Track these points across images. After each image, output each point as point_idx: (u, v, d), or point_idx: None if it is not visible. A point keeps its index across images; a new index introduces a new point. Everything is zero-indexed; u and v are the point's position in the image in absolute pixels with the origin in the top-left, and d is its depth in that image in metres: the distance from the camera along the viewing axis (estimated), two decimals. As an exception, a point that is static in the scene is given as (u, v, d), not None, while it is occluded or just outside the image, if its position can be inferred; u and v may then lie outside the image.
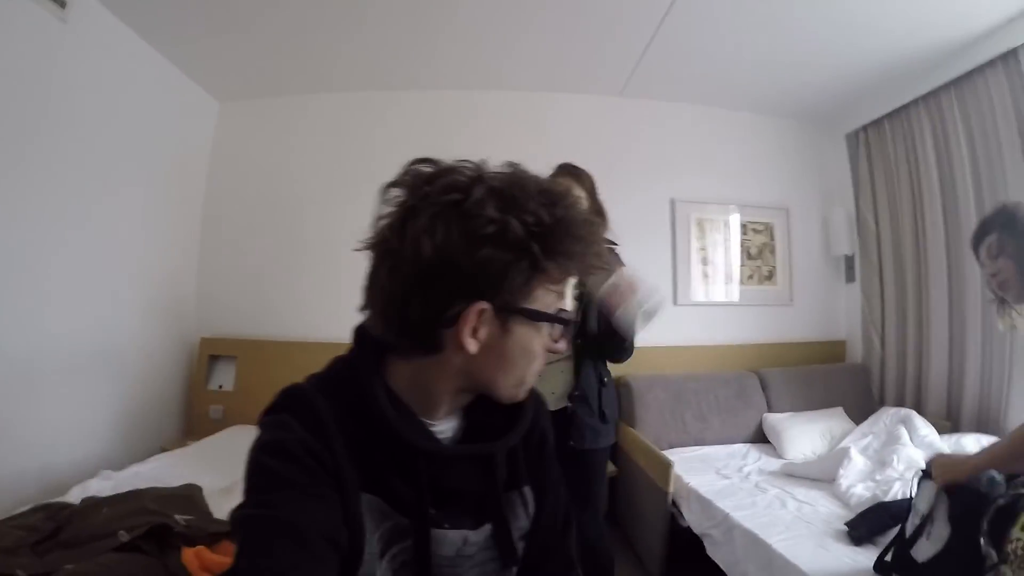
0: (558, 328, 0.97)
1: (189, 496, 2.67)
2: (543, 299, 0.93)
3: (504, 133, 4.69)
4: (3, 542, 2.16)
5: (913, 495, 2.04)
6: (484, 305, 0.88)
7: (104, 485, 2.89)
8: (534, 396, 1.10)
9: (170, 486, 2.79)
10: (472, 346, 0.90)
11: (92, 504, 2.54)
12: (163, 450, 3.76)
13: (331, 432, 0.89)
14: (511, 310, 0.91)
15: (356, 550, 0.87)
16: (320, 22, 3.74)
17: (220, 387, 4.46)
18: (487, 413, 1.04)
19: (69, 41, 3.20)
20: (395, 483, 0.93)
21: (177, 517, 2.32)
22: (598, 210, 2.74)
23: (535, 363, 0.98)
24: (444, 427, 1.01)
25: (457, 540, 0.98)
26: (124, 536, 2.15)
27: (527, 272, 0.88)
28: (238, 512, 0.81)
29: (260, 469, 0.87)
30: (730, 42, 3.90)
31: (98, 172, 3.47)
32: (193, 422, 4.38)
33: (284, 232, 4.51)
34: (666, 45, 3.95)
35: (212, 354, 4.51)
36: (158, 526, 2.22)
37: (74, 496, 2.74)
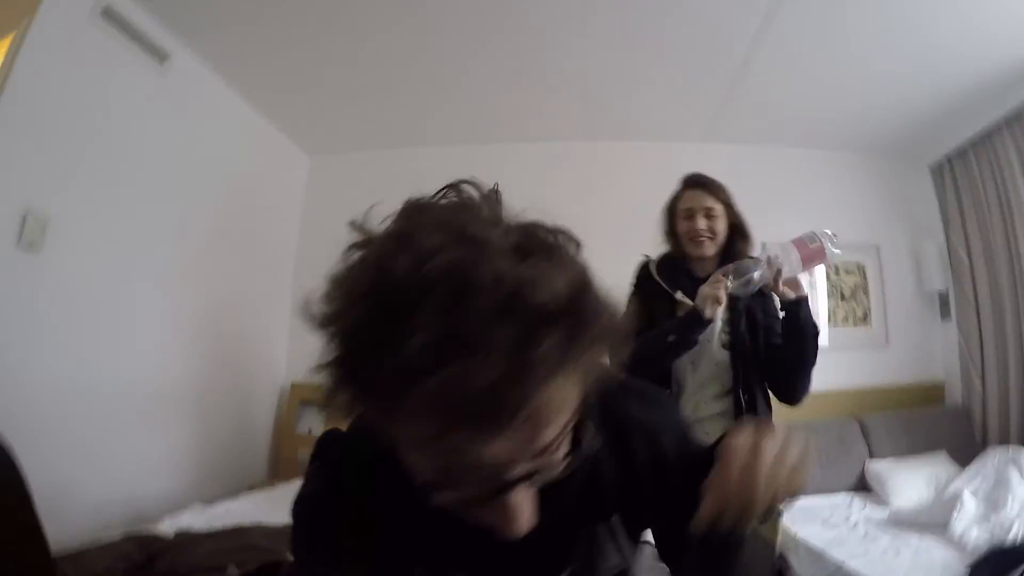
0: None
1: None
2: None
3: (588, 183, 4.93)
4: (93, 568, 2.22)
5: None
6: None
7: (197, 519, 3.03)
8: (623, 429, 0.92)
9: (275, 523, 2.78)
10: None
11: (190, 538, 2.60)
12: (250, 488, 3.93)
13: (363, 486, 0.87)
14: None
15: None
16: (412, 78, 3.99)
17: (309, 431, 4.65)
18: None
19: (167, 94, 3.50)
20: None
21: (289, 555, 2.36)
22: (736, 225, 2.62)
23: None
24: None
25: None
26: (234, 572, 2.17)
27: None
28: (285, 571, 0.89)
29: (299, 525, 0.91)
30: (812, 78, 4.02)
31: (192, 220, 3.76)
32: (280, 465, 4.60)
33: None
34: (746, 90, 4.12)
35: (303, 399, 4.73)
36: (269, 564, 2.21)
37: (165, 527, 2.84)
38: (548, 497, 0.76)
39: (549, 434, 0.63)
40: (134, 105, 3.27)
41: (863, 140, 4.96)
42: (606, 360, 0.66)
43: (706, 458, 0.83)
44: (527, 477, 0.65)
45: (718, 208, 2.56)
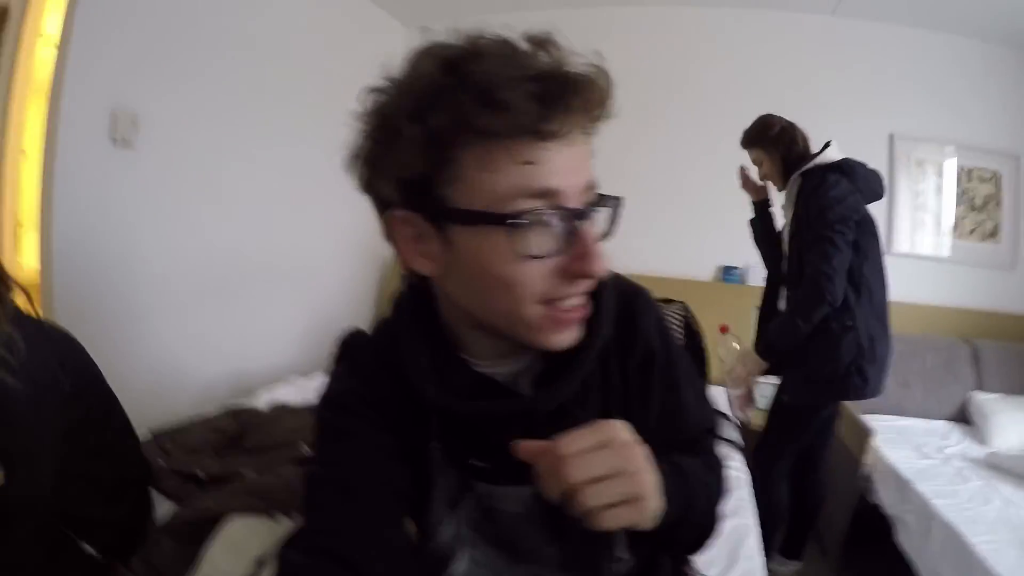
0: (540, 232, 0.76)
1: None
2: (490, 184, 0.75)
3: (705, 54, 4.81)
4: (189, 442, 2.43)
5: None
6: (400, 212, 0.84)
7: (290, 391, 3.27)
8: (633, 302, 1.02)
9: None
10: (424, 267, 0.86)
11: (277, 413, 2.83)
12: None
13: (382, 376, 0.95)
14: (440, 212, 0.79)
15: (424, 494, 0.94)
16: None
17: None
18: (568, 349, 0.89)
19: None
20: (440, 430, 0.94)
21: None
22: (786, 158, 3.05)
23: (513, 290, 0.79)
24: (504, 369, 0.95)
25: (525, 496, 0.95)
26: (306, 449, 2.33)
27: (450, 140, 0.74)
28: (307, 470, 0.93)
29: (322, 423, 0.98)
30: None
31: (284, 97, 3.83)
32: None
33: None
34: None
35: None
36: None
37: (262, 401, 3.08)
38: (578, 399, 0.93)
39: (590, 171, 0.81)
40: None
41: (1009, 32, 4.53)
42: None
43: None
44: (596, 207, 0.82)
45: (759, 156, 3.11)
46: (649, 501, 0.70)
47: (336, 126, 3.36)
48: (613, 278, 0.98)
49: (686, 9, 4.83)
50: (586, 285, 0.82)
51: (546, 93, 0.70)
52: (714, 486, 1.03)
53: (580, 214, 0.78)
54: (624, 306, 1.00)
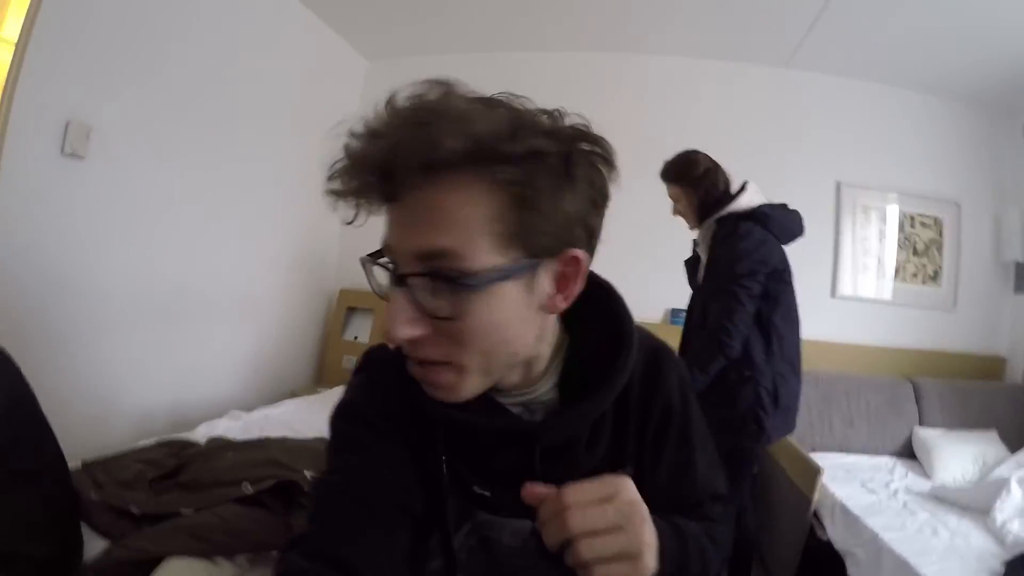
0: (374, 280, 0.88)
1: (320, 451, 2.67)
2: None
3: (657, 100, 4.90)
4: (122, 475, 2.30)
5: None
6: None
7: (232, 425, 3.18)
8: (660, 359, 1.06)
9: (301, 436, 2.92)
10: None
11: (218, 447, 2.70)
12: (292, 395, 4.07)
13: (397, 390, 0.94)
14: None
15: (436, 511, 0.93)
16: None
17: (355, 338, 4.86)
18: (584, 381, 0.95)
19: None
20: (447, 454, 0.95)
21: (306, 473, 2.34)
22: (703, 201, 3.04)
23: None
24: (518, 400, 0.97)
25: (522, 530, 0.96)
26: (248, 489, 2.22)
27: None
28: (318, 477, 0.95)
29: (335, 432, 0.97)
30: (907, 13, 3.90)
31: (246, 123, 3.83)
32: (325, 371, 4.83)
33: None
34: (839, 14, 4.00)
35: (350, 306, 4.91)
36: (285, 482, 2.26)
37: (200, 434, 2.97)
38: (587, 442, 0.96)
39: (425, 240, 0.76)
40: (183, 8, 3.29)
41: (955, 87, 4.81)
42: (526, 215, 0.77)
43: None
44: (410, 276, 0.78)
45: (677, 193, 3.11)
46: (645, 560, 0.71)
47: (291, 154, 3.43)
48: (641, 335, 1.03)
49: (642, 57, 4.95)
50: (409, 348, 0.84)
51: (361, 164, 0.78)
52: (710, 554, 1.01)
53: (396, 277, 0.81)
54: (650, 362, 1.04)
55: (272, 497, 2.23)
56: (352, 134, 0.79)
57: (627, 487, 0.73)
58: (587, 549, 0.68)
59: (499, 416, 0.94)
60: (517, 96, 0.82)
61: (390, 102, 0.79)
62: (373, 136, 0.76)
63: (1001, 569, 2.57)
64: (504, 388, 0.95)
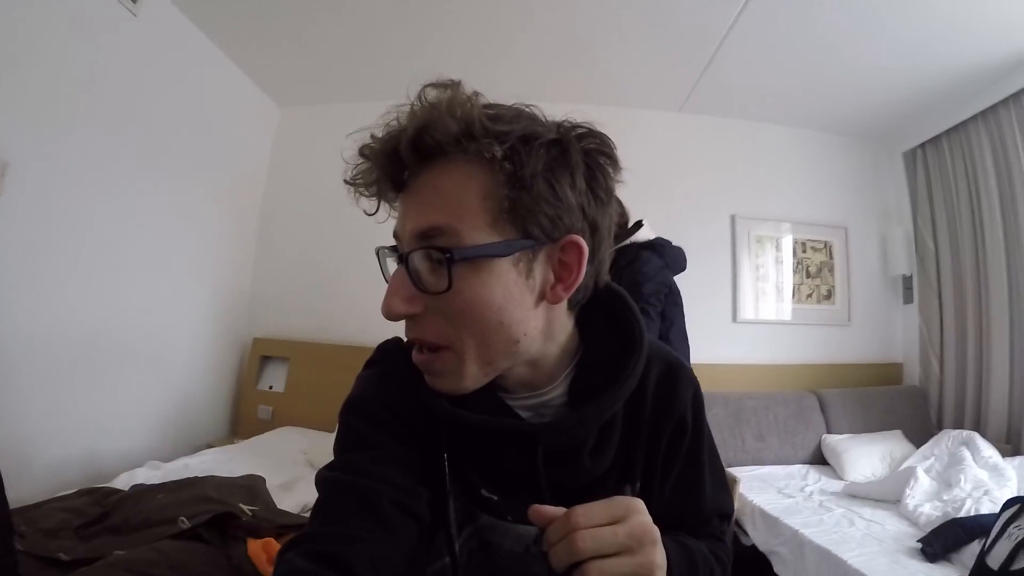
0: (387, 265, 0.92)
1: (252, 487, 2.67)
2: None
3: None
4: (45, 523, 2.19)
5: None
6: None
7: (152, 475, 3.01)
8: (675, 373, 1.04)
9: (228, 475, 2.82)
10: None
11: (144, 490, 2.56)
12: (210, 446, 3.94)
13: (410, 387, 0.93)
14: None
15: (440, 511, 0.90)
16: (381, 32, 4.04)
17: (271, 387, 4.73)
18: (595, 385, 0.94)
19: (139, 35, 3.47)
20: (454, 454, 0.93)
21: (242, 506, 2.33)
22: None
23: None
24: (527, 403, 0.96)
25: (526, 536, 0.95)
26: (185, 523, 2.16)
27: None
28: (323, 472, 0.88)
29: (344, 427, 0.95)
30: (790, 60, 4.14)
31: (158, 167, 3.75)
32: (241, 421, 4.66)
33: (339, 236, 4.76)
34: (726, 62, 4.20)
35: (264, 354, 4.79)
36: (222, 515, 2.23)
37: (121, 483, 2.81)
38: (593, 448, 0.93)
39: (421, 218, 0.81)
40: (103, 47, 3.25)
41: (838, 123, 5.12)
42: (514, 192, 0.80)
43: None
44: (410, 254, 0.81)
45: None
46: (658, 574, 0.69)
47: (204, 200, 3.39)
48: (660, 350, 1.05)
49: (545, 105, 4.98)
50: (408, 328, 0.87)
51: (372, 157, 0.83)
52: (717, 574, 0.99)
53: (399, 256, 0.86)
54: (665, 375, 1.03)
55: (209, 530, 2.18)
56: (372, 135, 0.84)
57: (638, 508, 0.72)
58: (597, 572, 0.67)
59: (497, 416, 0.92)
60: (529, 105, 0.88)
61: (396, 109, 0.84)
62: (385, 137, 0.82)
63: (917, 545, 2.68)
64: (512, 389, 0.95)
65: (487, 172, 0.79)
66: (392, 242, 0.89)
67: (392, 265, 0.88)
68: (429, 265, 0.80)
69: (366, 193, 0.85)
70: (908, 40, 3.79)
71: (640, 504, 0.73)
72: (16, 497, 2.35)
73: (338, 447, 0.93)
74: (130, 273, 3.57)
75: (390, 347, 1.04)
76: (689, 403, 1.04)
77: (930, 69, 4.13)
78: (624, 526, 0.69)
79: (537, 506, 0.73)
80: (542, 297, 0.86)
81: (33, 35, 2.84)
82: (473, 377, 0.87)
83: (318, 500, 0.85)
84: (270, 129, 5.18)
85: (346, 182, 0.86)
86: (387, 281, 0.86)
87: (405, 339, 0.92)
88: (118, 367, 3.51)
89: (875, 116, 4.93)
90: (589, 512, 0.70)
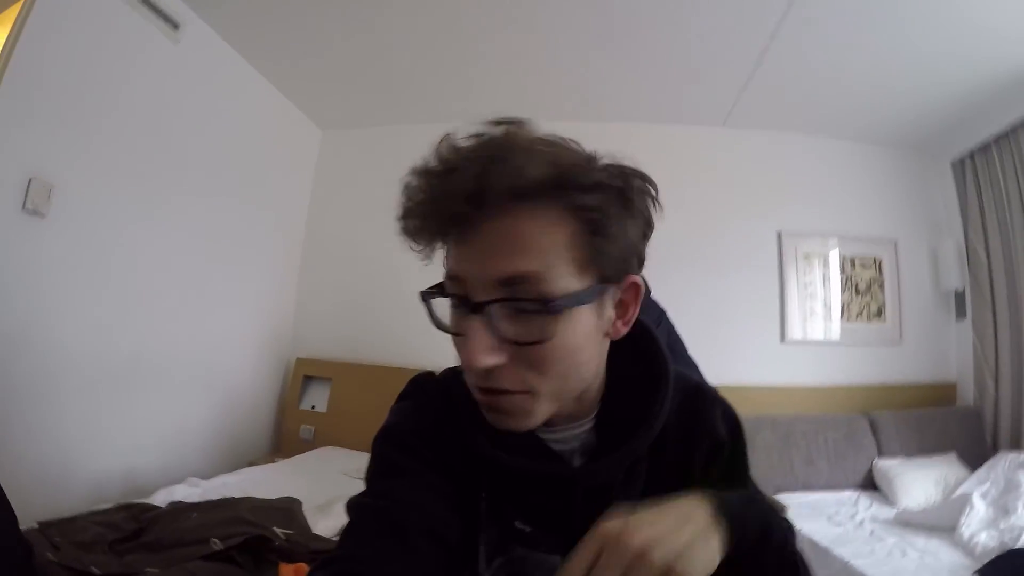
0: (441, 308, 0.86)
1: (288, 510, 2.68)
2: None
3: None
4: (80, 536, 2.20)
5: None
6: None
7: (191, 492, 3.03)
8: (698, 397, 1.03)
9: (267, 498, 2.80)
10: None
11: (180, 509, 2.57)
12: (251, 464, 3.99)
13: (445, 421, 0.94)
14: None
15: (470, 544, 0.91)
16: (426, 54, 4.07)
17: (313, 407, 4.78)
18: (623, 419, 0.95)
19: (181, 62, 3.56)
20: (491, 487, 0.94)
21: (276, 530, 2.33)
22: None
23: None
24: (558, 437, 0.95)
25: (557, 565, 0.82)
26: (217, 545, 2.16)
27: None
28: (354, 498, 0.88)
29: (377, 456, 0.95)
30: (833, 70, 4.06)
31: (201, 189, 3.83)
32: (283, 440, 4.73)
33: (381, 257, 4.72)
34: (769, 75, 4.13)
35: (307, 375, 4.85)
36: (255, 538, 2.23)
37: (159, 499, 2.83)
38: (623, 482, 0.92)
39: (508, 265, 0.76)
40: (146, 74, 3.33)
41: (884, 133, 4.98)
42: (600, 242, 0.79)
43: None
44: (490, 303, 0.77)
45: None
46: (678, 565, 0.64)
47: (248, 222, 3.45)
48: (677, 375, 1.01)
49: (587, 124, 4.91)
50: (474, 375, 0.83)
51: (437, 198, 0.78)
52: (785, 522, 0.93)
53: (469, 304, 0.80)
54: (686, 402, 1.00)
55: (242, 553, 2.18)
56: (417, 173, 0.81)
57: (605, 526, 0.68)
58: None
59: (541, 458, 0.92)
60: (566, 139, 0.84)
61: (447, 143, 0.80)
62: (451, 171, 0.77)
63: (974, 576, 2.54)
64: (551, 423, 0.92)
65: (571, 220, 0.78)
66: (433, 282, 0.86)
67: (443, 308, 0.85)
68: (512, 315, 0.78)
69: (421, 236, 0.83)
70: (953, 46, 3.69)
71: (607, 521, 0.68)
72: (55, 510, 2.52)
73: (370, 475, 0.94)
74: (174, 294, 3.65)
75: (422, 380, 1.05)
76: (720, 422, 1.03)
77: (977, 74, 4.01)
78: (605, 556, 0.65)
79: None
80: (606, 335, 0.88)
81: (77, 64, 2.93)
82: (543, 414, 0.86)
83: (347, 525, 0.85)
84: (312, 151, 5.29)
85: (402, 226, 0.83)
86: (437, 325, 0.85)
87: (464, 381, 0.89)
88: (160, 385, 3.59)
89: (921, 125, 4.78)
90: (573, 566, 0.66)
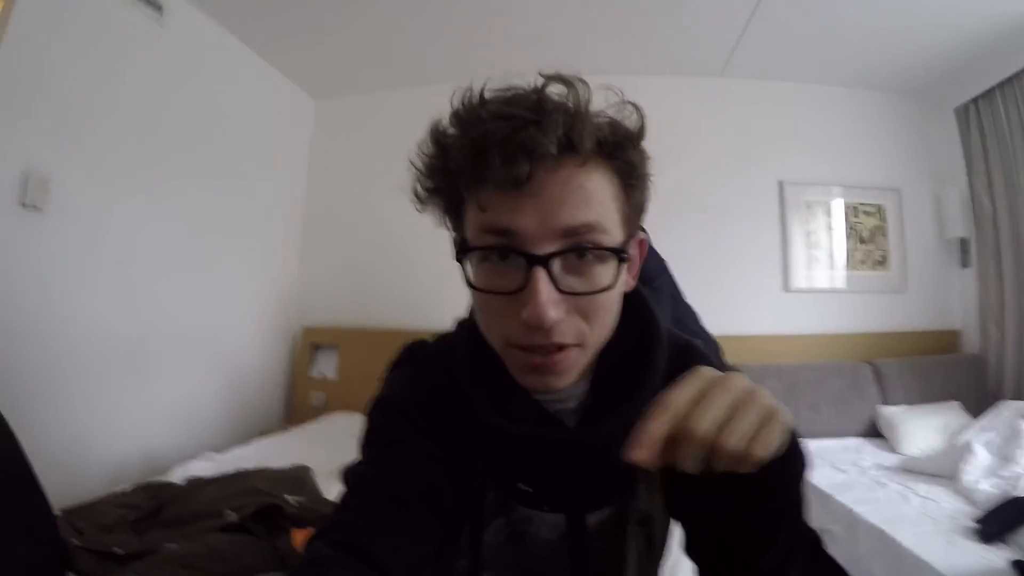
0: (490, 268, 0.81)
1: (299, 477, 2.75)
2: (472, 221, 0.82)
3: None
4: (102, 519, 2.26)
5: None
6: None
7: (207, 466, 3.08)
8: (688, 353, 1.00)
9: (279, 467, 2.87)
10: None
11: (196, 484, 2.65)
12: (262, 435, 4.02)
13: (443, 390, 0.95)
14: (455, 245, 0.87)
15: (467, 509, 0.92)
16: (411, 18, 4.03)
17: (322, 375, 4.82)
18: (618, 379, 0.94)
19: (167, 44, 3.52)
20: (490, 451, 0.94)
21: (288, 498, 2.37)
22: None
23: (483, 323, 0.87)
24: (554, 398, 0.93)
25: (560, 524, 0.96)
26: (232, 516, 2.23)
27: (454, 197, 0.85)
28: (350, 467, 0.90)
29: (372, 425, 0.95)
30: (831, 14, 3.99)
31: (202, 167, 3.85)
32: (294, 409, 4.78)
33: (383, 222, 4.82)
34: (766, 22, 4.08)
35: (315, 343, 4.89)
36: (267, 507, 2.29)
37: (176, 476, 2.89)
38: (600, 452, 0.92)
39: (575, 215, 0.77)
40: (134, 59, 3.32)
41: (885, 79, 4.93)
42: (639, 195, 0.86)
43: None
44: (553, 255, 0.77)
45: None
46: (780, 411, 0.65)
47: (245, 195, 3.44)
48: (667, 333, 1.00)
49: (584, 78, 4.91)
50: (535, 332, 0.79)
51: (479, 152, 0.75)
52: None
53: (532, 258, 0.77)
54: (678, 358, 0.97)
55: (255, 522, 2.23)
56: (457, 117, 0.81)
57: (706, 371, 0.67)
58: (732, 438, 0.62)
59: (541, 422, 0.92)
60: (574, 80, 0.83)
61: (481, 97, 0.81)
62: (505, 118, 0.76)
63: (974, 525, 2.59)
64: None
65: (616, 176, 0.82)
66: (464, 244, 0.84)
67: (496, 266, 0.81)
68: (572, 266, 0.79)
69: (451, 191, 0.84)
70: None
71: (704, 369, 0.68)
72: (76, 495, 2.55)
73: (366, 444, 0.94)
74: (178, 272, 3.67)
75: (418, 348, 1.06)
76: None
77: (981, 17, 3.94)
78: (717, 389, 0.64)
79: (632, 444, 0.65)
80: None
81: (66, 55, 2.92)
82: (580, 371, 0.87)
83: (344, 494, 0.86)
84: (307, 121, 5.25)
85: (427, 175, 0.86)
86: (474, 287, 0.83)
87: (506, 341, 0.85)
88: (169, 363, 3.62)
89: (924, 70, 4.73)
90: (680, 392, 0.65)
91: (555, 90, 0.80)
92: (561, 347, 0.81)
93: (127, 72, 3.27)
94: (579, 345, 0.82)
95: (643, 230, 0.92)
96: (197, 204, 3.82)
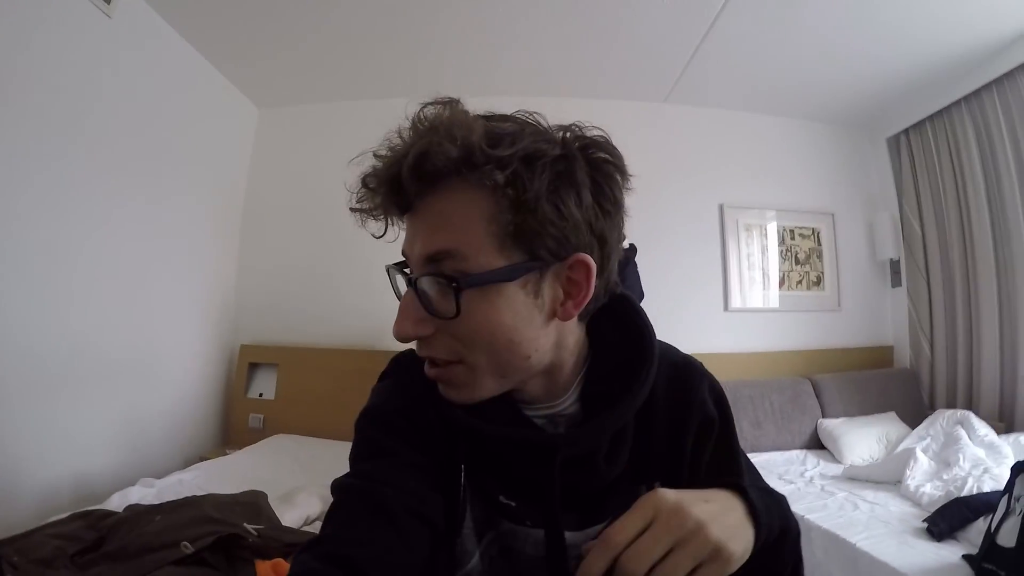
0: (395, 284, 0.92)
1: (254, 503, 2.58)
2: None
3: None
4: (38, 552, 2.05)
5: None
6: None
7: (146, 492, 2.88)
8: (686, 372, 1.03)
9: (230, 492, 2.69)
10: None
11: (141, 512, 2.42)
12: (203, 459, 3.83)
13: (425, 399, 0.94)
14: None
15: (454, 521, 0.90)
16: (361, 33, 4.02)
17: (260, 395, 4.62)
18: (606, 393, 0.94)
19: (114, 37, 3.35)
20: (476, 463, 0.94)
21: (247, 527, 2.25)
22: None
23: None
24: (543, 413, 0.95)
25: (543, 539, 0.92)
26: (188, 548, 2.04)
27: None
28: (339, 479, 0.88)
29: (359, 437, 0.95)
30: (774, 50, 4.15)
31: (138, 171, 3.63)
32: (232, 431, 4.58)
33: (324, 238, 4.71)
34: (710, 53, 4.20)
35: (252, 361, 4.69)
36: (226, 536, 2.14)
37: (115, 504, 2.67)
38: (607, 454, 0.92)
39: (431, 242, 0.80)
40: (77, 50, 3.13)
41: (823, 111, 5.13)
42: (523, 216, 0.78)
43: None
44: (419, 278, 0.82)
45: None
46: (729, 549, 0.68)
47: (185, 205, 3.28)
48: (664, 349, 1.02)
49: (527, 99, 4.87)
50: (416, 346, 0.89)
51: (375, 183, 0.83)
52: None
53: (407, 280, 0.86)
54: (675, 376, 1.01)
55: (214, 554, 2.10)
56: (375, 155, 0.84)
57: (659, 497, 0.71)
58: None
59: (520, 427, 0.92)
60: (531, 112, 0.85)
61: (397, 129, 0.84)
62: (390, 157, 0.81)
63: (923, 525, 2.71)
64: (530, 400, 0.95)
65: (490, 197, 0.78)
66: (400, 258, 0.89)
67: (402, 283, 0.89)
68: (438, 290, 0.81)
69: (375, 217, 0.86)
70: (891, 27, 3.81)
71: (660, 493, 0.71)
72: (6, 525, 2.39)
73: (354, 456, 0.94)
74: (110, 284, 3.46)
75: (403, 359, 1.05)
76: (708, 397, 1.03)
77: (913, 55, 4.15)
78: (661, 523, 0.68)
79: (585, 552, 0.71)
80: (553, 315, 0.86)
81: (3, 40, 2.74)
82: (488, 388, 0.88)
83: (332, 505, 0.85)
84: (249, 130, 5.07)
85: (352, 210, 0.87)
86: (398, 298, 0.88)
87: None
88: (102, 382, 3.41)
89: (859, 103, 4.95)
90: (621, 527, 0.69)
91: (429, 113, 0.82)
92: (435, 362, 0.87)
93: (69, 64, 3.09)
94: (460, 363, 0.85)
95: (632, 247, 0.92)
96: (131, 208, 3.60)
